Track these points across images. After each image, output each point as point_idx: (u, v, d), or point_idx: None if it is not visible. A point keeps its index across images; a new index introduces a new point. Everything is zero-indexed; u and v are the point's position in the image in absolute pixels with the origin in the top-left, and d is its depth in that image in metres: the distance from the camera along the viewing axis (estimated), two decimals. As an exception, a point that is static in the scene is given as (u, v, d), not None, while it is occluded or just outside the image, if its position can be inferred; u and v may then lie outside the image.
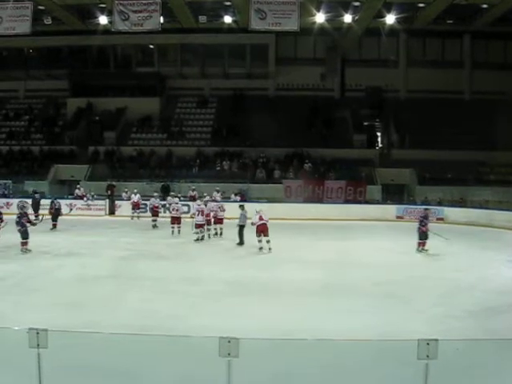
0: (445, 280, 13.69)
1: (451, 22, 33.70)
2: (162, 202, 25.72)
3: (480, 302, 11.69)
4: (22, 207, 17.59)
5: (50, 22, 29.63)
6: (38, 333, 5.41)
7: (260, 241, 17.85)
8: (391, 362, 5.47)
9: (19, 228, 16.73)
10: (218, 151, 33.31)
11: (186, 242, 19.70)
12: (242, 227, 18.91)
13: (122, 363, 5.63)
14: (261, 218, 17.82)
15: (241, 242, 18.85)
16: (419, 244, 17.53)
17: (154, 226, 23.79)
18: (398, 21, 29.81)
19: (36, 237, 16.28)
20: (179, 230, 21.36)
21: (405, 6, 29.33)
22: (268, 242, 17.72)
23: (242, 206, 19.70)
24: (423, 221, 17.61)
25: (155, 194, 25.89)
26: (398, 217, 27.57)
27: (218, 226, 21.18)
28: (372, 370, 5.51)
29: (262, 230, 17.78)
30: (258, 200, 28.98)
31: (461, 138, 30.51)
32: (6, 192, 29.61)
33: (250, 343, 5.37)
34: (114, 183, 29.92)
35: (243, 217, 18.98)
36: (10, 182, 30.24)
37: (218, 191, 27.07)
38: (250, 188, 30.28)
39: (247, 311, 10.78)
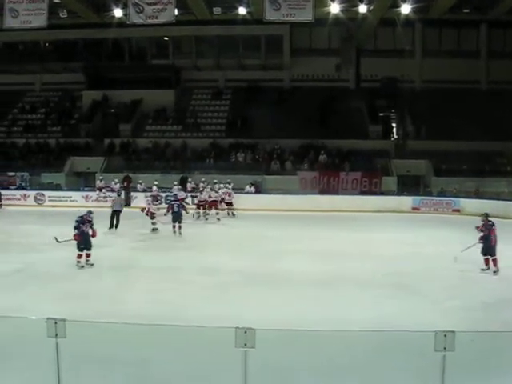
0: (460, 271, 13.59)
1: (467, 11, 33.10)
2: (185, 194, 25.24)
3: (495, 293, 11.63)
4: (175, 196, 21.11)
5: (66, 16, 29.63)
6: (56, 323, 5.48)
7: (213, 213, 22.92)
8: (407, 353, 5.46)
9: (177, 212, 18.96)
10: (233, 143, 33.25)
11: (197, 233, 19.83)
12: (116, 212, 19.75)
13: (137, 353, 5.69)
14: (210, 196, 23.19)
15: (111, 226, 19.52)
16: None
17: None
18: (414, 10, 29.34)
19: (50, 228, 16.44)
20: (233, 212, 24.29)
21: (420, -4, 28.98)
22: (217, 214, 23.20)
23: (119, 192, 21.82)
24: None
25: (177, 187, 25.49)
26: (413, 208, 27.35)
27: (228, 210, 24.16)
28: (388, 361, 5.51)
29: (212, 205, 23.18)
30: (272, 191, 29.02)
31: (477, 128, 30.08)
32: (24, 184, 30.01)
33: (266, 334, 5.38)
34: (129, 175, 30.00)
35: (118, 203, 20.03)
36: (27, 174, 30.56)
37: (229, 183, 27.00)
38: (264, 179, 30.24)
39: (260, 301, 10.82)
